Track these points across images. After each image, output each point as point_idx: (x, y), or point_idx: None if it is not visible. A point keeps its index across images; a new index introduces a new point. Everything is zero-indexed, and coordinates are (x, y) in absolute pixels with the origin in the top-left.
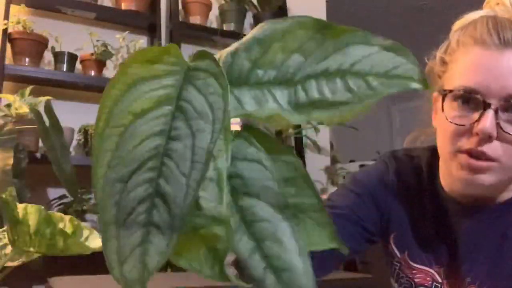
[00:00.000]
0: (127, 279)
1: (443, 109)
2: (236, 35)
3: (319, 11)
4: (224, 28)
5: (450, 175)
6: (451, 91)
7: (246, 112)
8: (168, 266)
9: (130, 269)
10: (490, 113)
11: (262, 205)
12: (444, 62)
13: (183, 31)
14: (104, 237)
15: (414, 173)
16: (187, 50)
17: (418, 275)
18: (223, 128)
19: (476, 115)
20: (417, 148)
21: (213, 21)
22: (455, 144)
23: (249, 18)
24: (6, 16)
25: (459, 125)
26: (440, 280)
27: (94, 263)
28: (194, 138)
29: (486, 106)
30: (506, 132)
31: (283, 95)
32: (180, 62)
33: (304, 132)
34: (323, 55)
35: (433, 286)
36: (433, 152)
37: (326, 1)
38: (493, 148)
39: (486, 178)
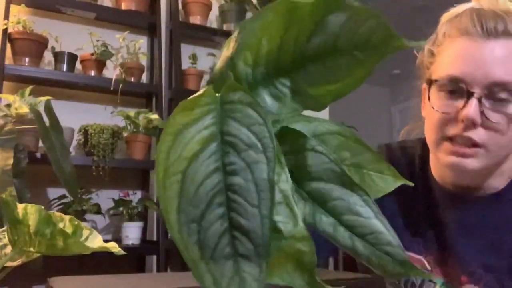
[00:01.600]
0: None
1: (429, 98)
2: None
3: None
4: (224, 28)
5: (439, 163)
6: (436, 80)
7: (274, 117)
8: (168, 266)
9: None
10: (474, 101)
11: (330, 186)
12: (432, 54)
13: (183, 31)
14: (197, 274)
15: (407, 163)
16: (187, 50)
17: None
18: (275, 152)
19: (461, 103)
20: (411, 140)
21: (213, 21)
22: (442, 131)
23: None
24: (6, 16)
25: (445, 113)
26: (429, 268)
27: (94, 263)
28: (252, 171)
29: (470, 94)
30: (490, 120)
31: (286, 83)
32: (214, 100)
33: None
34: (307, 35)
35: None
36: (425, 143)
37: None
38: (478, 135)
39: (472, 164)
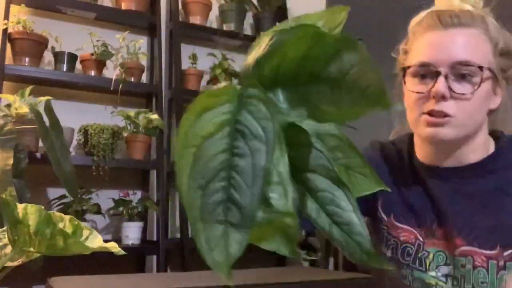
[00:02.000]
0: (216, 263)
1: (405, 82)
2: (236, 35)
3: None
4: (224, 28)
5: (420, 142)
6: (409, 67)
7: (286, 119)
8: (168, 266)
9: (218, 255)
10: (441, 78)
11: (321, 178)
12: (405, 52)
13: (183, 31)
14: (194, 230)
15: (396, 154)
16: (187, 50)
17: (403, 234)
18: (278, 142)
19: (431, 83)
20: (399, 137)
21: (213, 21)
22: (419, 109)
23: (249, 18)
24: (6, 16)
25: (419, 92)
26: (422, 239)
27: (94, 263)
28: (253, 156)
29: (437, 73)
30: (456, 92)
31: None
32: (235, 92)
33: None
34: (324, 61)
35: (417, 244)
36: (410, 136)
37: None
38: (449, 106)
39: (446, 132)
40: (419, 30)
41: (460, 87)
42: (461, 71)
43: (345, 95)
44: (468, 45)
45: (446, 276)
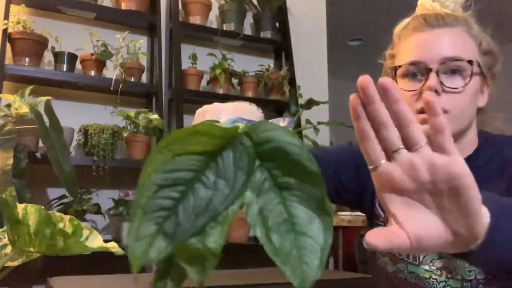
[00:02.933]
0: (134, 253)
1: (396, 82)
2: (236, 35)
3: (319, 11)
4: (224, 28)
5: None
6: (400, 66)
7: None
8: None
9: (139, 247)
10: (433, 74)
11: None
12: (392, 56)
13: (183, 31)
14: (132, 213)
15: None
16: (187, 50)
17: None
18: (252, 189)
19: (423, 81)
20: None
21: (213, 21)
22: (412, 107)
23: (249, 18)
24: (6, 16)
25: (412, 91)
26: None
27: (94, 263)
28: (215, 194)
29: (429, 70)
30: (448, 86)
31: None
32: (235, 135)
33: (304, 132)
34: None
35: None
36: None
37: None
38: (442, 101)
39: None
40: (405, 33)
41: (451, 82)
42: (451, 66)
43: None
44: (455, 42)
45: (440, 269)
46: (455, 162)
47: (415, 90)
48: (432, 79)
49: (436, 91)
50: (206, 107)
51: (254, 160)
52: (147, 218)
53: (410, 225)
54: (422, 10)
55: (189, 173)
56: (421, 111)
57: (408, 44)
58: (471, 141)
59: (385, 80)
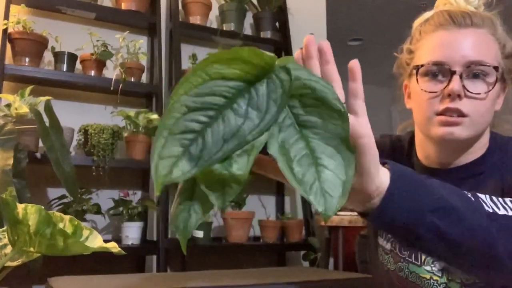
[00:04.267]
0: (157, 170)
1: (418, 81)
2: (236, 35)
3: (319, 11)
4: (224, 28)
5: (428, 142)
6: (422, 65)
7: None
8: (168, 266)
9: (163, 167)
10: (456, 77)
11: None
12: (410, 51)
13: (183, 31)
14: (158, 131)
15: (400, 149)
16: (187, 50)
17: None
18: (274, 124)
19: (445, 82)
20: (403, 134)
21: (213, 21)
22: (432, 109)
23: (249, 18)
24: (6, 16)
25: (433, 92)
26: None
27: (94, 263)
28: (244, 122)
29: (452, 72)
30: (471, 91)
31: None
32: (272, 63)
33: None
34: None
35: None
36: (412, 135)
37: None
38: (464, 105)
39: (460, 132)
40: (427, 28)
41: (474, 87)
42: (475, 70)
43: None
44: (481, 45)
45: (441, 270)
46: (360, 123)
47: (435, 92)
48: (456, 83)
49: (458, 95)
50: None
51: (288, 94)
52: (173, 138)
53: None
54: (444, 4)
55: (221, 99)
56: (441, 113)
57: (431, 42)
58: (483, 144)
59: (324, 44)
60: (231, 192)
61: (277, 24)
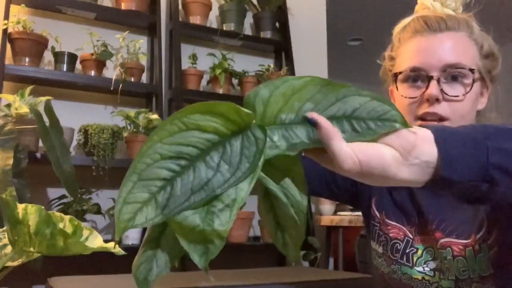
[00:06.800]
0: (120, 215)
1: (397, 88)
2: (236, 35)
3: (319, 11)
4: (224, 28)
5: None
6: (401, 72)
7: (279, 150)
8: None
9: (126, 212)
10: (434, 82)
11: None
12: (392, 58)
13: (183, 31)
14: (128, 174)
15: None
16: (187, 50)
17: (392, 230)
18: (250, 178)
19: (423, 88)
20: None
21: (213, 21)
22: (413, 114)
23: (249, 18)
24: (6, 16)
25: (412, 97)
26: (411, 236)
27: (94, 263)
28: (215, 175)
29: (430, 77)
30: (449, 94)
31: (302, 132)
32: (249, 122)
33: None
34: (328, 104)
35: (405, 240)
36: None
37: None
38: (443, 109)
39: None
40: (405, 35)
41: (452, 90)
42: (452, 73)
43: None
44: (457, 48)
45: (433, 270)
46: (357, 151)
47: (415, 97)
48: (433, 88)
49: (436, 99)
50: None
51: (262, 153)
52: (142, 184)
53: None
54: (422, 9)
55: (195, 150)
56: (421, 118)
57: (409, 49)
58: None
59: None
60: (214, 249)
61: (277, 24)
